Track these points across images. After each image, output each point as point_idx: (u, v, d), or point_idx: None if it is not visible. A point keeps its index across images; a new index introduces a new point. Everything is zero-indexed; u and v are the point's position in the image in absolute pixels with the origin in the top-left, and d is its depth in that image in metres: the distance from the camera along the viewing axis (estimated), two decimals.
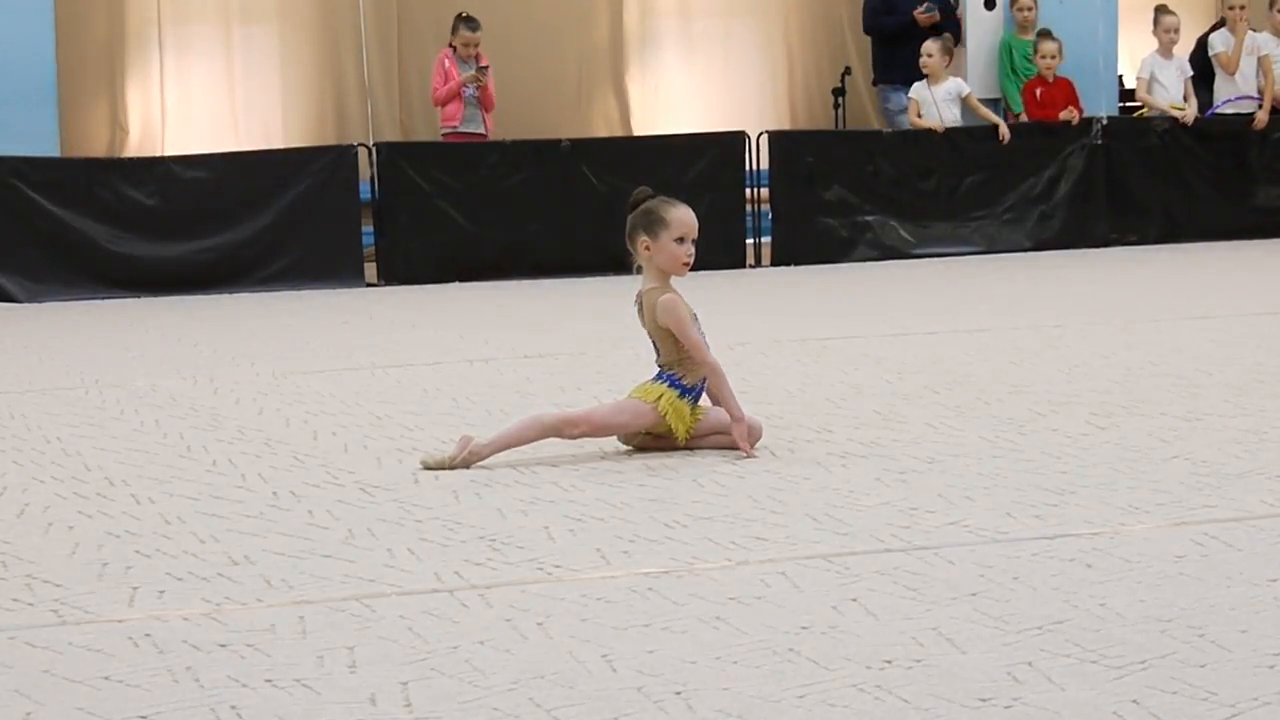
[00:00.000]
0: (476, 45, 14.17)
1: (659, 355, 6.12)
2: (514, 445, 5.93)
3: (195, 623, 4.04)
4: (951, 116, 14.68)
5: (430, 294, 12.67)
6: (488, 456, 5.87)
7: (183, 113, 15.61)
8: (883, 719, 3.26)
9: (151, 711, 3.42)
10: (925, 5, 15.09)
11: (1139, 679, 3.42)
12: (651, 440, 6.06)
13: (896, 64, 15.11)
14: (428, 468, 5.82)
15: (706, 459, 5.90)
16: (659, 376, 6.05)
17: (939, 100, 14.66)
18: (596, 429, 6.02)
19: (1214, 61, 15.63)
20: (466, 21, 14.12)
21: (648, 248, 6.02)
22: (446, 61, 14.16)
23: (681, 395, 5.99)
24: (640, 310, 6.12)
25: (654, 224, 6.01)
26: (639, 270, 6.12)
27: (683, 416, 5.99)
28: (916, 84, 14.69)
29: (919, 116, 14.60)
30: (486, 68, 14.06)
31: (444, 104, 14.19)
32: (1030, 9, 15.46)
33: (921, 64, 14.73)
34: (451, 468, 5.79)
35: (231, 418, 7.12)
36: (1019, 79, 15.39)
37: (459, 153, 13.89)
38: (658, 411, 5.96)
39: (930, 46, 14.75)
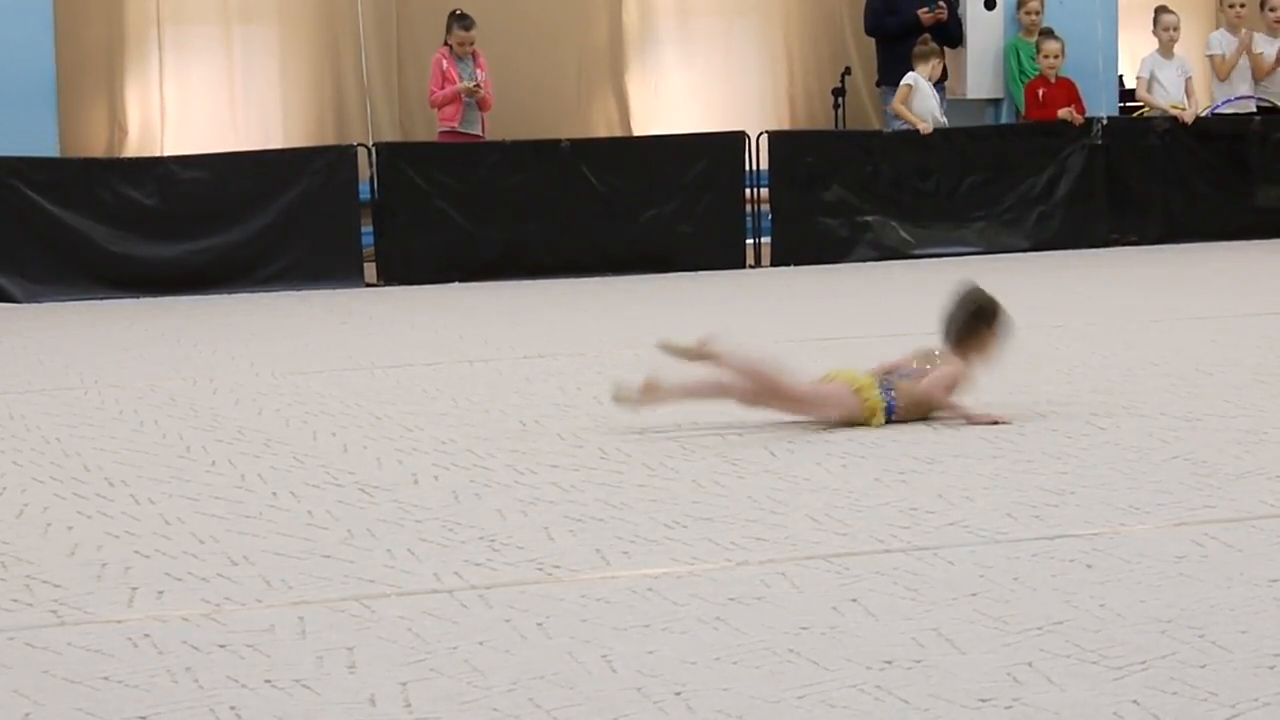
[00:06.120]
0: (472, 43, 14.11)
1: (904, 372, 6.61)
2: (696, 396, 6.51)
3: (195, 623, 4.03)
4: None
5: (430, 294, 12.66)
6: (669, 401, 6.48)
7: (182, 113, 15.58)
8: (883, 719, 3.25)
9: (151, 712, 3.42)
10: (932, 4, 15.02)
11: (1139, 679, 3.42)
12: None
13: (900, 65, 15.05)
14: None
15: (706, 459, 5.91)
16: (881, 382, 6.52)
17: (932, 94, 14.64)
18: (792, 406, 6.51)
19: (1209, 63, 15.62)
20: (460, 19, 14.06)
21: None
22: (444, 62, 14.09)
23: (884, 399, 6.51)
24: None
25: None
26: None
27: (876, 413, 6.48)
28: (913, 72, 14.58)
29: (904, 105, 14.48)
30: (481, 85, 13.98)
31: (441, 107, 14.15)
32: (1038, 12, 15.41)
33: (938, 70, 14.69)
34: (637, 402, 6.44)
35: (231, 418, 7.11)
36: (1027, 81, 15.33)
37: (458, 153, 13.87)
38: (860, 399, 6.49)
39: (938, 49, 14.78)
